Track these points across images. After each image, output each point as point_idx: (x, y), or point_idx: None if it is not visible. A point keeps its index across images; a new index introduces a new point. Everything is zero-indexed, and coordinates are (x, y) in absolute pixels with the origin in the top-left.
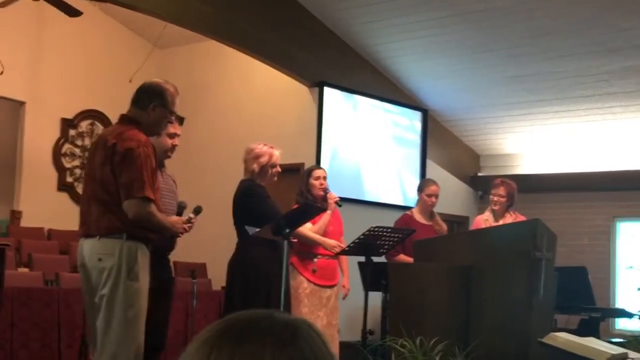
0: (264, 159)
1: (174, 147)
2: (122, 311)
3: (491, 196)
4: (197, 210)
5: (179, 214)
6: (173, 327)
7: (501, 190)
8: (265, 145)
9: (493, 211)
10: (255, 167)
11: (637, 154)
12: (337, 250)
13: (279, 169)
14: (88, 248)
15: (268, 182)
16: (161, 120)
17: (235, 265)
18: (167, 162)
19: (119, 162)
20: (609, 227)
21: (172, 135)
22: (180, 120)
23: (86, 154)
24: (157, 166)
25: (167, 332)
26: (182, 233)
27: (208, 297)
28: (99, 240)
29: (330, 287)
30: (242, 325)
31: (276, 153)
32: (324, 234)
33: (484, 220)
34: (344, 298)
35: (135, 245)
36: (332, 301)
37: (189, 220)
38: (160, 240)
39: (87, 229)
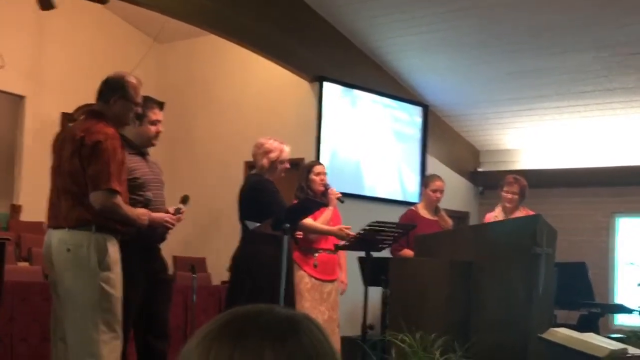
0: (274, 155)
1: (157, 134)
2: (95, 301)
3: (504, 193)
4: (185, 200)
5: (145, 206)
6: (173, 322)
7: (515, 188)
8: (275, 140)
9: (504, 208)
10: (265, 162)
11: (637, 149)
12: (350, 234)
13: (287, 165)
14: (56, 238)
15: (276, 178)
16: (125, 113)
17: (242, 260)
18: (167, 155)
19: (87, 156)
20: (608, 223)
21: (155, 122)
22: (160, 106)
23: None
24: (141, 154)
25: (168, 321)
26: (172, 227)
27: (208, 291)
28: (68, 232)
29: (331, 281)
30: (243, 320)
31: (286, 149)
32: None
33: (494, 217)
34: (341, 294)
35: (104, 237)
36: (332, 296)
37: (177, 211)
38: (150, 231)
39: (56, 221)
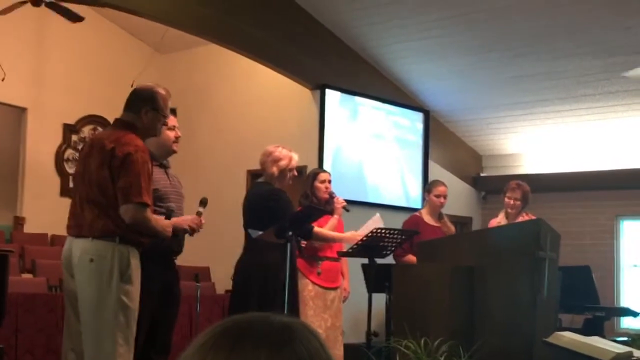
0: (283, 163)
1: (177, 139)
2: (114, 313)
3: (507, 199)
4: (204, 202)
5: (168, 217)
6: (177, 331)
7: (517, 194)
8: (284, 148)
9: (507, 213)
10: (275, 170)
11: (639, 152)
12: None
13: (295, 172)
14: (79, 248)
15: (284, 186)
16: (155, 124)
17: (245, 269)
18: (169, 164)
19: (117, 167)
20: (612, 226)
21: (172, 128)
22: (173, 112)
23: None
24: (162, 167)
25: (172, 336)
26: (197, 229)
27: (212, 300)
28: (92, 242)
29: (334, 289)
30: (239, 328)
31: (295, 157)
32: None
33: (497, 223)
34: (344, 301)
35: (127, 249)
36: (335, 303)
37: (198, 214)
38: (168, 242)
39: (80, 231)
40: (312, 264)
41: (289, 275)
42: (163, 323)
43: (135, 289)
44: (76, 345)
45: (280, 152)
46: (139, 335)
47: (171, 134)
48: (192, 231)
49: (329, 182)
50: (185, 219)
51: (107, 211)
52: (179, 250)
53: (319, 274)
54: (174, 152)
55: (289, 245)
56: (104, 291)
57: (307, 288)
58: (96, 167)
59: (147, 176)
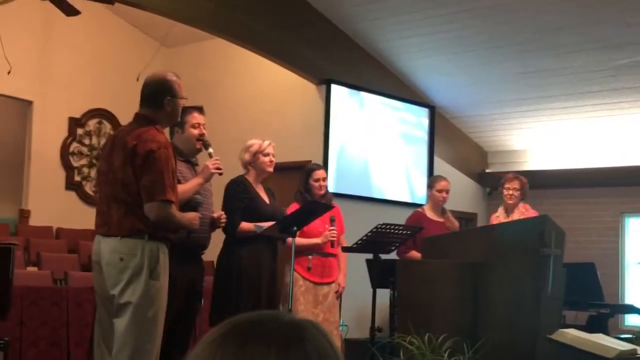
0: (253, 148)
1: (201, 135)
2: (144, 310)
3: (505, 190)
4: (208, 144)
5: (194, 209)
6: None
7: (516, 184)
8: (258, 139)
9: (506, 205)
10: (247, 157)
11: None
12: (333, 235)
13: (272, 158)
14: (108, 247)
15: (263, 172)
16: (177, 109)
17: (221, 264)
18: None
19: (140, 165)
20: (617, 223)
21: (196, 125)
22: (199, 110)
23: (94, 152)
24: (190, 164)
25: (191, 333)
26: (219, 171)
27: None
28: (120, 240)
29: (327, 284)
30: (248, 326)
31: (266, 142)
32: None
33: (496, 217)
34: (337, 297)
35: (157, 245)
36: (329, 298)
37: (211, 156)
38: (197, 239)
39: (108, 229)
40: (302, 259)
41: (273, 272)
42: (184, 320)
43: (163, 285)
44: (108, 341)
45: (251, 141)
46: (162, 332)
47: (195, 131)
48: (219, 171)
49: (324, 179)
50: (206, 166)
51: (133, 209)
52: (205, 245)
53: (309, 269)
54: (199, 150)
55: (279, 241)
56: (135, 289)
57: (298, 283)
58: (119, 165)
59: (171, 172)
